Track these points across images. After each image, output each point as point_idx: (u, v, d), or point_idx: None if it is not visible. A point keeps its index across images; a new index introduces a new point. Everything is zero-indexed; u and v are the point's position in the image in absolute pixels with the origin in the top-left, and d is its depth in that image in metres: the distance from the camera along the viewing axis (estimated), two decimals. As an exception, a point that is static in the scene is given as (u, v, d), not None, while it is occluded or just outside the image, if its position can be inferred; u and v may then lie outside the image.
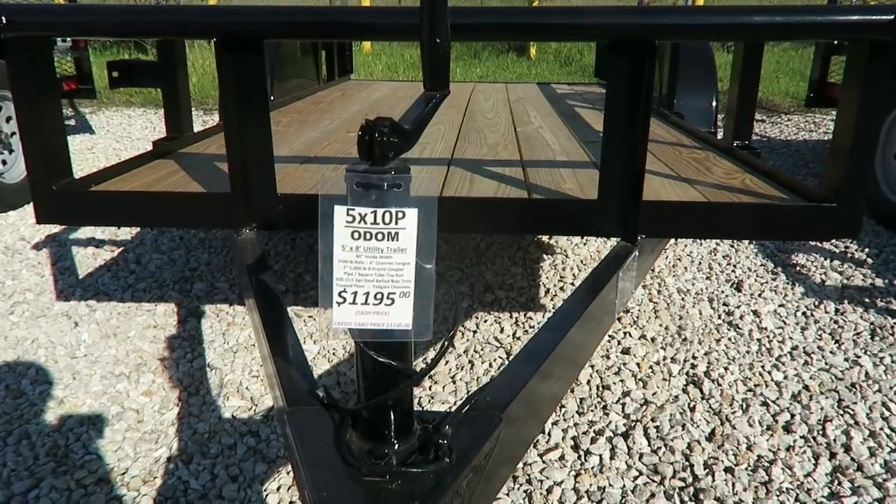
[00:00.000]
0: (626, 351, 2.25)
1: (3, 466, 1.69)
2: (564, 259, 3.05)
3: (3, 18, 1.46)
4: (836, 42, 3.48)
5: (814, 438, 1.81)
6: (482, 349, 2.26)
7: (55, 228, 3.35)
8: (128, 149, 5.23)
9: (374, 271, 0.75)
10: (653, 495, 1.61)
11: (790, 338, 2.35)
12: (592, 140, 2.51)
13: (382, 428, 0.83)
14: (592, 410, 1.94)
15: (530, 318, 2.48)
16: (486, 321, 2.45)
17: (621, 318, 2.47)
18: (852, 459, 1.73)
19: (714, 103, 3.25)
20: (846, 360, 2.21)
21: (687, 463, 1.72)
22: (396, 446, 0.82)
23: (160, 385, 2.05)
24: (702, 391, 2.03)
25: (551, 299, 2.66)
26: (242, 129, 1.56)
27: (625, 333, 2.36)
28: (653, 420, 1.88)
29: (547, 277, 2.85)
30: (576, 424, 1.87)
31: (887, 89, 1.48)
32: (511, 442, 1.00)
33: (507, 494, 1.61)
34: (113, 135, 5.82)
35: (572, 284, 2.79)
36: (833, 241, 3.25)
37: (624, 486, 1.64)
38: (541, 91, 4.29)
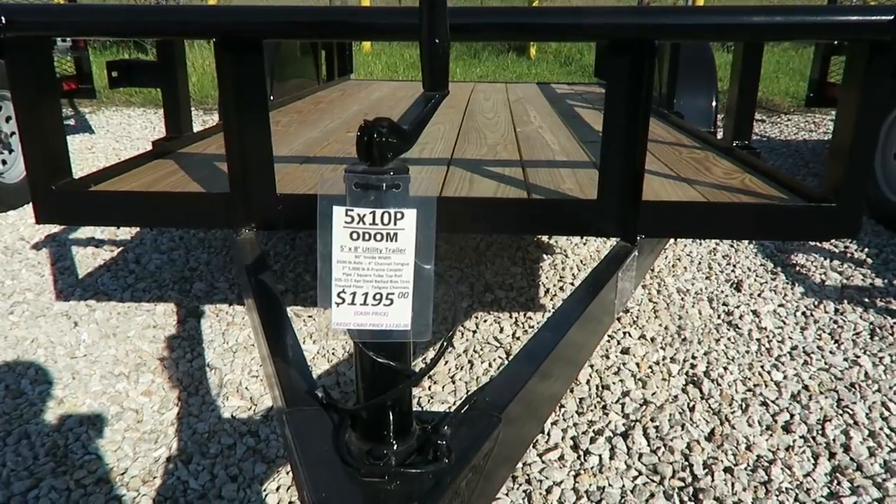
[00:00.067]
0: (625, 351, 2.25)
1: (2, 466, 1.69)
2: (564, 259, 3.05)
3: (3, 18, 1.46)
4: (835, 42, 3.48)
5: (813, 438, 1.81)
6: (482, 349, 2.26)
7: (55, 228, 3.35)
8: (127, 148, 5.23)
9: (372, 272, 0.75)
10: (652, 495, 1.61)
11: (790, 338, 2.36)
12: (592, 140, 2.51)
13: (381, 428, 0.83)
14: (592, 410, 1.94)
15: (530, 317, 2.48)
16: (485, 321, 2.45)
17: (621, 317, 2.47)
18: (852, 459, 1.73)
19: (714, 103, 3.25)
20: (846, 359, 2.21)
21: (686, 463, 1.72)
22: (395, 447, 0.82)
23: (160, 385, 2.05)
24: (701, 391, 2.03)
25: (551, 299, 2.66)
26: (242, 129, 1.56)
27: (624, 333, 2.37)
28: (652, 420, 1.88)
29: (546, 277, 2.85)
30: (575, 424, 1.87)
31: (887, 89, 1.48)
32: (510, 442, 1.00)
33: (507, 494, 1.61)
34: (112, 134, 5.82)
35: (572, 284, 2.79)
36: (833, 241, 3.25)
37: (623, 486, 1.64)
38: (541, 91, 4.29)
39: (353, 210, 0.74)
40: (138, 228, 3.35)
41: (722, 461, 1.72)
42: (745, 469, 1.69)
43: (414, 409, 0.87)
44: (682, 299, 2.65)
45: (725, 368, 2.15)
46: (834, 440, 1.80)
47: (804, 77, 6.65)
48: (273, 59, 3.46)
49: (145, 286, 2.73)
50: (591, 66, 7.28)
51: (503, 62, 9.42)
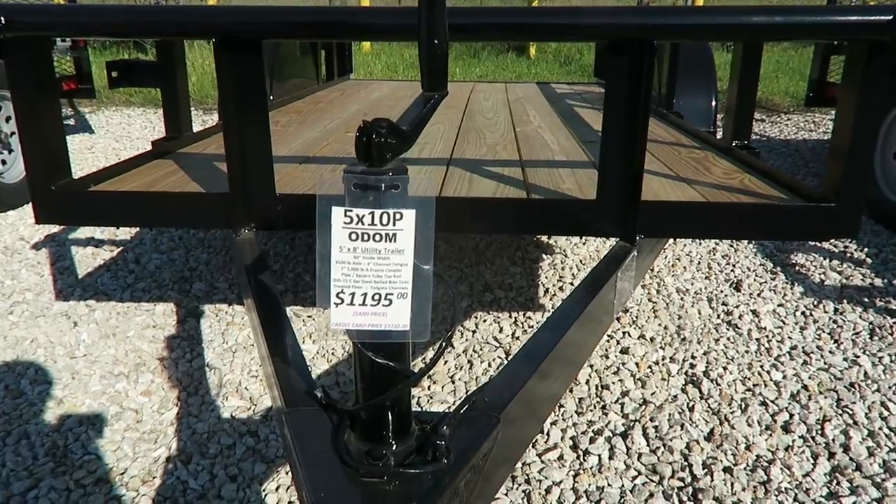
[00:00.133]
0: (625, 351, 2.25)
1: (2, 466, 1.69)
2: (563, 259, 3.05)
3: (3, 18, 1.46)
4: (835, 42, 3.48)
5: (812, 438, 1.82)
6: (481, 349, 2.26)
7: (54, 228, 3.35)
8: (127, 148, 5.23)
9: (371, 272, 0.75)
10: (651, 495, 1.61)
11: (789, 337, 2.36)
12: (591, 140, 2.51)
13: (380, 428, 0.83)
14: (591, 410, 1.94)
15: (529, 317, 2.48)
16: (485, 321, 2.45)
17: (620, 317, 2.47)
18: (851, 459, 1.73)
19: (713, 103, 3.25)
20: (845, 359, 2.21)
21: (686, 463, 1.72)
22: (394, 447, 0.83)
23: (159, 385, 2.05)
24: (700, 391, 2.03)
25: (550, 299, 2.66)
26: (241, 130, 1.56)
27: (624, 333, 2.37)
28: (651, 420, 1.88)
29: (546, 277, 2.85)
30: (574, 424, 1.87)
31: (886, 89, 1.48)
32: (509, 442, 1.00)
33: (506, 494, 1.61)
34: (112, 134, 5.82)
35: (571, 284, 2.79)
36: (832, 240, 3.25)
37: (623, 485, 1.64)
38: (540, 91, 4.29)
39: (352, 210, 0.74)
40: (138, 228, 3.35)
41: (721, 461, 1.72)
42: (745, 469, 1.70)
43: (413, 409, 0.87)
44: (682, 299, 2.65)
45: (725, 368, 2.15)
46: (833, 440, 1.81)
47: (804, 77, 6.65)
48: (273, 59, 3.46)
49: (145, 286, 2.73)
50: (590, 65, 7.28)
51: (503, 62, 9.42)
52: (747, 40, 2.26)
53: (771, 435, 1.83)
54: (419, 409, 1.59)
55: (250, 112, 1.55)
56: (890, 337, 2.35)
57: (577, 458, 1.74)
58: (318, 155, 2.24)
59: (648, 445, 1.79)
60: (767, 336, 2.36)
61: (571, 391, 2.02)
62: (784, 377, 2.11)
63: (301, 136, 2.56)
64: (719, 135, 3.02)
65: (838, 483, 1.65)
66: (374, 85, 4.67)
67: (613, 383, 2.06)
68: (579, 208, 1.67)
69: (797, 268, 2.97)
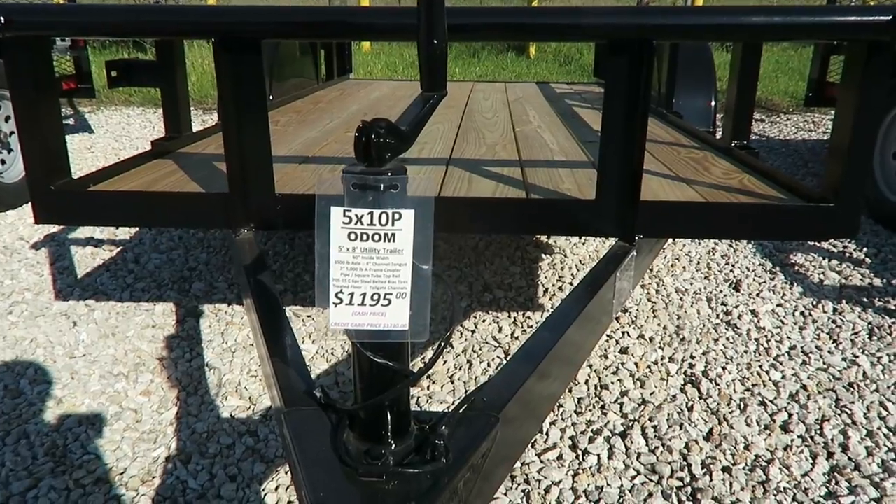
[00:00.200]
0: (624, 350, 2.25)
1: (1, 466, 1.69)
2: (563, 259, 3.05)
3: (2, 18, 1.46)
4: (835, 42, 3.48)
5: (811, 438, 1.82)
6: (480, 349, 2.26)
7: (54, 228, 3.35)
8: (127, 148, 5.23)
9: (370, 272, 0.75)
10: (650, 495, 1.61)
11: (788, 337, 2.36)
12: (591, 140, 2.51)
13: (379, 428, 0.83)
14: (590, 410, 1.94)
15: (529, 317, 2.48)
16: (484, 321, 2.45)
17: (619, 317, 2.47)
18: (850, 459, 1.73)
19: (713, 103, 3.25)
20: (844, 359, 2.22)
21: (685, 462, 1.72)
22: (393, 446, 0.83)
23: (159, 385, 2.05)
24: (700, 391, 2.03)
25: (550, 299, 2.66)
26: (241, 130, 1.56)
27: (623, 333, 2.37)
28: (651, 420, 1.89)
29: (545, 277, 2.85)
30: (574, 424, 1.87)
31: (885, 89, 1.48)
32: (508, 441, 1.01)
33: (505, 494, 1.61)
34: (112, 134, 5.82)
35: (571, 284, 2.80)
36: (831, 240, 3.25)
37: (622, 485, 1.65)
38: (540, 90, 4.29)
39: (350, 210, 0.74)
40: (137, 228, 3.35)
41: (720, 461, 1.72)
42: (744, 469, 1.70)
43: (412, 408, 0.87)
44: (681, 299, 2.65)
45: (724, 368, 2.15)
46: (832, 440, 1.81)
47: (803, 77, 6.65)
48: (272, 59, 3.46)
49: (144, 286, 2.73)
50: (590, 65, 7.28)
51: (502, 62, 9.42)
52: (746, 40, 2.26)
53: (770, 435, 1.83)
54: (418, 409, 1.59)
55: (250, 112, 1.55)
56: (889, 337, 2.35)
57: (577, 457, 1.75)
58: (318, 155, 2.24)
59: (647, 445, 1.79)
60: (766, 336, 2.36)
61: (571, 391, 2.02)
62: (783, 377, 2.11)
63: (300, 135, 2.56)
64: (719, 135, 3.02)
65: (837, 483, 1.65)
66: (374, 85, 4.67)
67: (612, 383, 2.06)
68: (578, 208, 1.67)
69: (796, 268, 2.97)
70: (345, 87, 4.36)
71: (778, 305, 2.61)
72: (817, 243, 3.23)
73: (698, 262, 3.03)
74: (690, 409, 1.94)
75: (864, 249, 3.18)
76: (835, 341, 2.34)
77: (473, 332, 2.38)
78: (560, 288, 2.76)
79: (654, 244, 1.87)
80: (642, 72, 1.46)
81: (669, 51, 3.19)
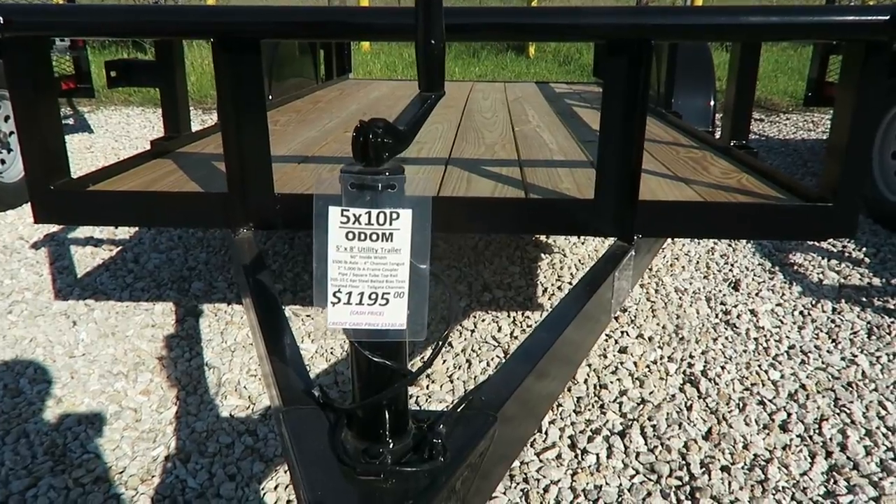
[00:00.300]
0: (623, 350, 2.26)
1: (1, 465, 1.69)
2: (562, 258, 3.06)
3: (1, 18, 1.46)
4: (833, 42, 3.49)
5: (810, 437, 1.82)
6: (480, 348, 2.26)
7: (54, 228, 3.35)
8: (126, 148, 5.23)
9: (368, 271, 0.76)
10: (649, 494, 1.61)
11: (787, 337, 2.36)
12: (590, 139, 2.51)
13: (377, 427, 0.83)
14: (590, 409, 1.94)
15: (528, 317, 2.49)
16: (483, 320, 2.45)
17: (618, 317, 2.48)
18: (848, 458, 1.73)
19: (712, 103, 3.25)
20: (843, 359, 2.22)
21: (683, 462, 1.72)
22: (391, 445, 0.83)
23: (158, 384, 2.05)
24: (699, 390, 2.03)
25: (549, 298, 2.66)
26: (240, 130, 1.56)
27: (622, 332, 2.37)
28: (650, 419, 1.89)
29: (545, 277, 2.86)
30: (573, 423, 1.88)
31: (883, 89, 1.48)
32: (506, 440, 1.01)
33: (504, 493, 1.62)
34: (112, 134, 5.82)
35: (570, 283, 2.80)
36: (830, 240, 3.26)
37: (620, 484, 1.65)
38: (539, 90, 4.29)
39: (348, 210, 0.74)
40: (137, 228, 3.36)
41: (719, 460, 1.73)
42: (742, 468, 1.70)
43: (410, 408, 0.87)
44: (680, 298, 2.66)
45: (723, 367, 2.15)
46: (831, 439, 1.81)
47: (803, 76, 6.65)
48: (271, 59, 3.46)
49: (144, 285, 2.73)
50: (589, 65, 7.28)
51: (502, 61, 9.42)
52: (744, 40, 2.26)
53: (769, 434, 1.83)
54: (418, 409, 1.59)
55: (249, 112, 1.55)
56: (888, 336, 2.36)
57: (576, 456, 1.75)
58: (317, 154, 2.24)
59: (646, 444, 1.79)
60: (765, 335, 2.37)
61: (570, 390, 2.02)
62: (782, 376, 2.11)
63: (300, 135, 2.57)
64: (718, 134, 3.03)
65: (835, 482, 1.65)
66: (374, 84, 4.68)
67: (612, 382, 2.07)
68: (577, 208, 1.67)
69: (795, 267, 2.98)
70: (344, 87, 4.37)
71: (777, 305, 2.61)
72: (816, 243, 3.23)
73: (697, 262, 3.04)
74: (689, 409, 1.94)
75: (864, 249, 3.18)
76: (834, 341, 2.34)
77: (473, 331, 2.38)
78: (559, 287, 2.76)
79: (653, 244, 1.87)
80: (640, 72, 1.46)
81: (668, 51, 3.19)
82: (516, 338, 2.34)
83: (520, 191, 1.79)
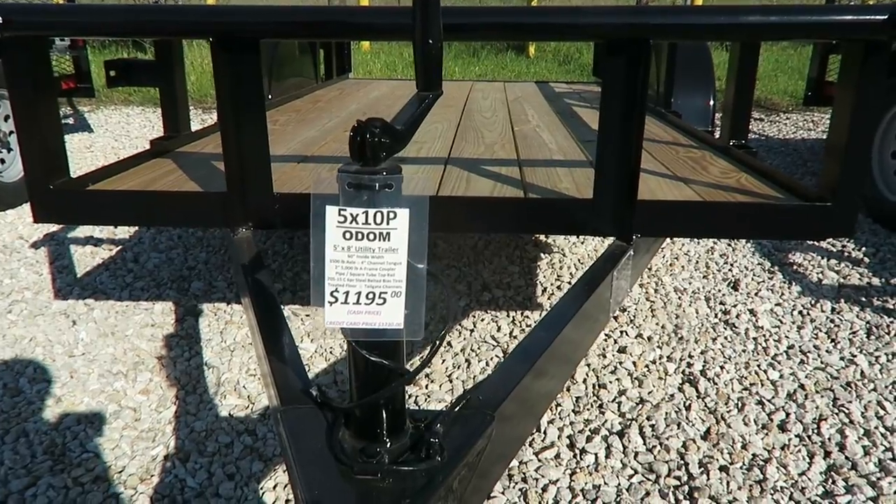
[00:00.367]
0: (622, 350, 2.26)
1: (0, 464, 1.70)
2: (562, 258, 3.06)
3: (1, 18, 1.46)
4: (833, 41, 3.48)
5: (809, 437, 1.82)
6: (479, 348, 2.26)
7: (53, 227, 3.35)
8: (126, 147, 5.23)
9: (365, 271, 0.76)
10: (648, 493, 1.61)
11: (786, 337, 2.36)
12: (589, 139, 2.51)
13: (375, 426, 0.83)
14: (588, 409, 1.94)
15: (527, 316, 2.49)
16: (483, 320, 2.45)
17: (618, 316, 2.48)
18: (847, 458, 1.73)
19: (711, 102, 3.25)
20: (842, 358, 2.22)
21: (682, 461, 1.72)
22: (389, 445, 0.83)
23: (158, 383, 2.06)
24: (697, 390, 2.03)
25: (548, 298, 2.67)
26: (239, 129, 1.57)
27: (621, 332, 2.37)
28: (648, 419, 1.89)
29: (544, 276, 2.86)
30: (572, 423, 1.88)
31: (882, 88, 1.48)
32: (504, 440, 1.01)
33: (503, 493, 1.62)
34: (111, 133, 5.83)
35: (569, 283, 2.80)
36: (830, 239, 3.26)
37: (619, 484, 1.65)
38: (539, 90, 4.29)
39: (346, 210, 0.74)
40: (136, 227, 3.36)
41: (718, 460, 1.73)
42: (741, 468, 1.70)
43: (407, 407, 0.87)
44: (680, 298, 2.66)
45: (722, 367, 2.15)
46: (829, 439, 1.81)
47: (803, 76, 6.65)
48: (271, 58, 3.46)
49: (144, 285, 2.73)
50: (589, 64, 7.28)
51: (502, 61, 9.42)
52: (743, 40, 2.26)
53: (767, 434, 1.83)
54: (417, 408, 1.58)
55: (248, 112, 1.56)
56: (887, 336, 2.36)
57: (574, 456, 1.75)
58: (316, 154, 2.24)
59: (645, 444, 1.79)
60: (765, 335, 2.37)
61: (568, 390, 2.02)
62: (781, 376, 2.11)
63: (299, 135, 2.57)
64: (718, 134, 3.02)
65: (834, 482, 1.65)
66: (373, 84, 4.68)
67: (611, 382, 2.07)
68: (576, 207, 1.68)
69: (795, 267, 2.98)
70: (344, 87, 4.37)
71: (776, 305, 2.61)
72: (816, 243, 3.23)
73: (697, 262, 3.04)
74: (688, 409, 1.94)
75: (863, 249, 3.18)
76: (833, 340, 2.34)
77: (472, 331, 2.38)
78: (558, 287, 2.76)
79: (652, 243, 1.87)
80: (639, 71, 1.46)
81: (668, 50, 3.19)
82: (515, 337, 2.34)
83: (519, 190, 1.79)
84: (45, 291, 2.69)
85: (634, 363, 2.17)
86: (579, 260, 3.03)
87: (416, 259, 0.77)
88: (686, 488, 1.63)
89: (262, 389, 2.01)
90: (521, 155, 2.22)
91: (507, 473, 1.67)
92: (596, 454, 1.75)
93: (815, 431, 1.84)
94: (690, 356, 2.22)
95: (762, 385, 2.06)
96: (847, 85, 1.52)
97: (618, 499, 1.60)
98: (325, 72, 4.49)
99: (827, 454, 1.75)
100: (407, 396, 0.88)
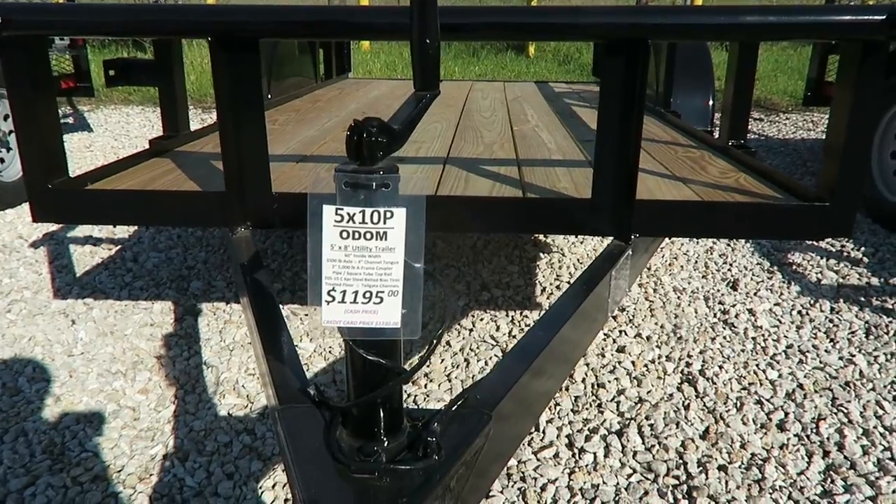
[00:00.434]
0: (621, 349, 2.26)
1: (-1, 464, 1.70)
2: (561, 258, 3.06)
3: (0, 17, 1.46)
4: (832, 41, 3.49)
5: (807, 437, 1.82)
6: (478, 347, 2.27)
7: (53, 226, 3.35)
8: (126, 147, 5.23)
9: (362, 270, 0.76)
10: (646, 493, 1.62)
11: (785, 336, 2.36)
12: (588, 139, 2.51)
13: (372, 425, 0.83)
14: (587, 408, 1.94)
15: (526, 316, 2.49)
16: (482, 319, 2.45)
17: (617, 316, 2.48)
18: (845, 458, 1.74)
19: (711, 102, 3.25)
20: (841, 358, 2.22)
21: (681, 461, 1.72)
22: (386, 443, 0.83)
23: (156, 383, 2.06)
24: (696, 389, 2.03)
25: (547, 298, 2.67)
26: (237, 129, 1.57)
27: (620, 332, 2.37)
28: (647, 418, 1.89)
29: (543, 276, 2.86)
30: (570, 422, 1.88)
31: (881, 89, 1.49)
32: (502, 439, 1.01)
33: (502, 492, 1.62)
34: (111, 133, 5.83)
35: (568, 283, 2.80)
36: (829, 239, 3.26)
37: (618, 483, 1.65)
38: (538, 90, 4.29)
39: (342, 209, 0.74)
40: (135, 227, 3.36)
41: (716, 459, 1.73)
42: (740, 467, 1.70)
43: (405, 406, 0.87)
44: (679, 298, 2.66)
45: (721, 367, 2.15)
46: (828, 439, 1.81)
47: (802, 76, 6.64)
48: (270, 58, 3.46)
49: (143, 284, 2.74)
50: (589, 64, 7.28)
51: (502, 61, 9.42)
52: (741, 40, 2.26)
53: (766, 433, 1.83)
54: (416, 407, 1.59)
55: (247, 111, 1.56)
56: (886, 336, 2.36)
57: (573, 455, 1.75)
58: (315, 154, 2.24)
59: (644, 443, 1.79)
60: (763, 335, 2.37)
61: (567, 389, 2.02)
62: (780, 376, 2.11)
63: (299, 134, 2.57)
64: (717, 134, 3.03)
65: (832, 481, 1.65)
66: (373, 84, 4.68)
67: (609, 382, 2.07)
68: (574, 207, 1.68)
69: (794, 267, 2.98)
70: (344, 86, 4.37)
71: (775, 304, 2.61)
72: (815, 242, 3.23)
73: (696, 261, 3.04)
74: (687, 408, 1.94)
75: (862, 249, 3.18)
76: (832, 340, 2.34)
77: (471, 330, 2.38)
78: (558, 287, 2.76)
79: (651, 243, 1.87)
80: (638, 71, 1.47)
81: (667, 50, 3.19)
82: (514, 337, 2.34)
83: (518, 190, 1.79)
84: (44, 291, 2.69)
85: (633, 363, 2.18)
86: (578, 260, 3.04)
87: (413, 258, 0.77)
88: (685, 487, 1.63)
89: (261, 389, 2.01)
90: (520, 155, 2.22)
91: (505, 472, 1.67)
92: (595, 453, 1.75)
93: (814, 431, 1.84)
94: (689, 356, 2.22)
95: (761, 385, 2.06)
96: (845, 85, 1.52)
97: (616, 498, 1.61)
98: (324, 71, 4.49)
99: (825, 454, 1.75)
100: (405, 396, 0.88)
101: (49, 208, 1.71)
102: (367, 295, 0.76)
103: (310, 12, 1.54)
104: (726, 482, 1.65)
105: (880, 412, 1.93)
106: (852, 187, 1.57)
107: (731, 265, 3.00)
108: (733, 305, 2.59)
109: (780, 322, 2.47)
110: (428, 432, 0.83)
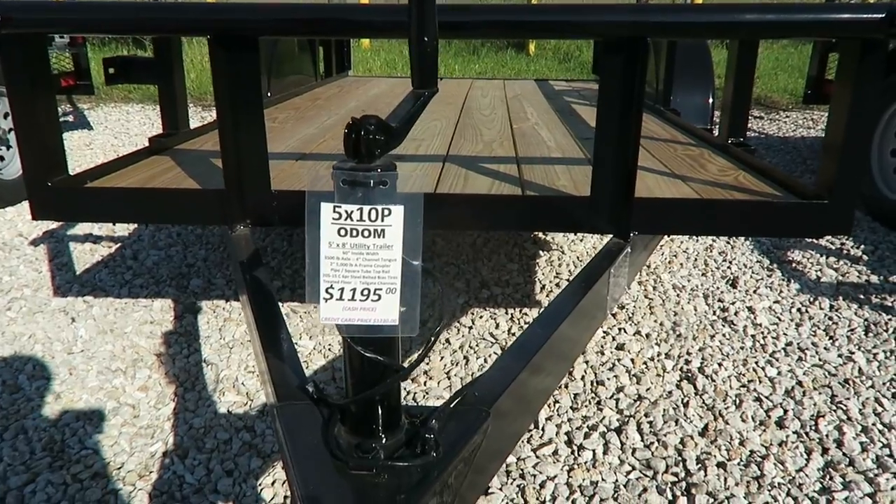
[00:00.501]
0: (620, 347, 2.26)
1: (-1, 461, 1.70)
2: (560, 255, 3.06)
3: (0, 15, 1.47)
4: (833, 39, 3.48)
5: (806, 434, 1.82)
6: (477, 345, 2.27)
7: (53, 224, 3.36)
8: (126, 145, 5.23)
9: (360, 268, 0.76)
10: (645, 489, 1.62)
11: (784, 334, 2.36)
12: (588, 137, 2.52)
13: (370, 422, 0.83)
14: (586, 406, 1.95)
15: (526, 313, 2.49)
16: (481, 317, 2.46)
17: (616, 314, 2.48)
18: (844, 455, 1.74)
19: (710, 100, 3.25)
20: (840, 356, 2.22)
21: (679, 458, 1.73)
22: (384, 440, 0.83)
23: (156, 380, 2.06)
24: (695, 387, 2.04)
25: (547, 295, 2.67)
26: (237, 127, 1.57)
27: (619, 329, 2.37)
28: (646, 415, 1.89)
29: (543, 274, 2.86)
30: (569, 419, 1.88)
31: (880, 87, 1.49)
32: (500, 435, 1.01)
33: (501, 489, 1.62)
34: (111, 131, 5.83)
35: (568, 280, 2.80)
36: (829, 237, 3.26)
37: (617, 480, 1.65)
38: (538, 88, 4.29)
39: (340, 206, 0.75)
40: (135, 225, 3.36)
41: (715, 456, 1.73)
42: (738, 464, 1.71)
43: (402, 403, 0.88)
44: (678, 295, 2.66)
45: (720, 364, 2.16)
46: (827, 436, 1.81)
47: (802, 74, 6.64)
48: (270, 56, 3.47)
49: (143, 282, 2.74)
50: (589, 62, 7.27)
51: (502, 59, 9.42)
52: (741, 38, 2.26)
53: (765, 430, 1.84)
54: (415, 404, 1.59)
55: (246, 109, 1.56)
56: (885, 333, 2.36)
57: (572, 452, 1.75)
58: (315, 151, 2.24)
59: (643, 440, 1.80)
60: (763, 332, 2.37)
61: (566, 386, 2.03)
62: (779, 373, 2.11)
63: (298, 132, 2.57)
64: (717, 132, 3.02)
65: (831, 478, 1.66)
66: (373, 82, 4.68)
67: (608, 379, 2.07)
68: (574, 205, 1.68)
69: (793, 265, 2.98)
70: (343, 84, 4.37)
71: (775, 302, 2.61)
72: (814, 240, 3.23)
73: (696, 259, 3.04)
74: (686, 405, 1.94)
75: (862, 246, 3.18)
76: (831, 338, 2.34)
77: (470, 328, 2.38)
78: (557, 284, 2.76)
79: (650, 241, 1.87)
80: (636, 69, 1.47)
81: (667, 48, 3.19)
82: (514, 334, 2.34)
83: (517, 188, 1.79)
84: (44, 288, 2.69)
85: (632, 360, 2.18)
86: (578, 257, 3.04)
87: (410, 256, 0.77)
88: (683, 484, 1.64)
89: (260, 386, 2.02)
90: (519, 152, 2.22)
91: (504, 469, 1.68)
92: (594, 451, 1.75)
93: (813, 428, 1.85)
94: (688, 353, 2.23)
95: (760, 382, 2.06)
96: (844, 83, 1.52)
97: (615, 495, 1.61)
98: (324, 69, 4.49)
99: (824, 451, 1.76)
100: (404, 393, 0.88)
101: (49, 206, 1.71)
102: (366, 292, 0.77)
103: (309, 10, 1.54)
104: (725, 479, 1.65)
105: (879, 409, 1.93)
106: (851, 185, 1.57)
107: (730, 263, 3.00)
108: (733, 303, 2.59)
109: (780, 319, 2.47)
110: (426, 429, 0.83)
